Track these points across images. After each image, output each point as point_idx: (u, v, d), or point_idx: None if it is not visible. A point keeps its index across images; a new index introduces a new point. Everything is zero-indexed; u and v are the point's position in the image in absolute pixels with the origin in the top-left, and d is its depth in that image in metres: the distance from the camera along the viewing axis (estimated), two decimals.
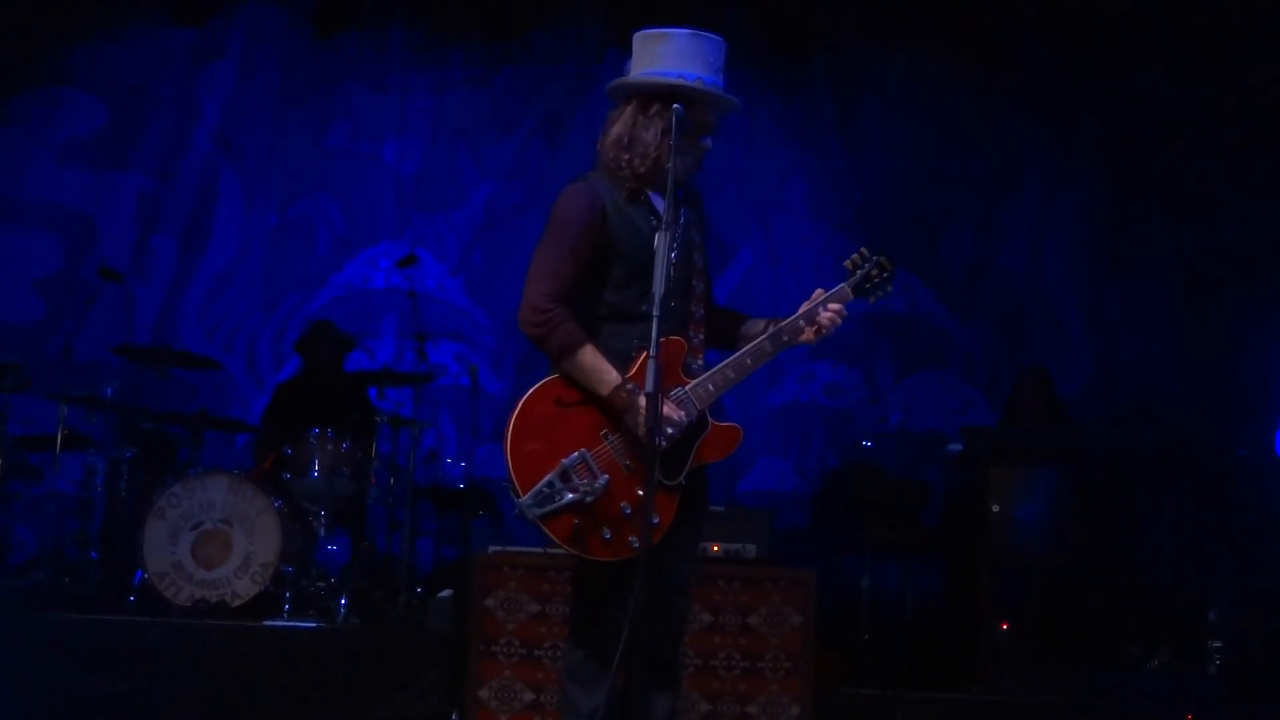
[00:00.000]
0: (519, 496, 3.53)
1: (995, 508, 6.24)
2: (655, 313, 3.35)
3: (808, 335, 3.74)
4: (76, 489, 7.12)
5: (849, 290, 3.81)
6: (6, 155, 8.77)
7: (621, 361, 3.60)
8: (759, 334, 3.76)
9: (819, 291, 3.78)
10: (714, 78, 3.75)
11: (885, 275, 3.85)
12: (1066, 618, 6.20)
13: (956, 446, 6.85)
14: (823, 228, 9.01)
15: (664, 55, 3.73)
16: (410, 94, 9.15)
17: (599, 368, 3.57)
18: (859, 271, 3.82)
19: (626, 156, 3.72)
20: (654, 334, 3.34)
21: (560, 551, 3.60)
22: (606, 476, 3.54)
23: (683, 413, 3.57)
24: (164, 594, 6.41)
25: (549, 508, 3.51)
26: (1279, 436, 5.29)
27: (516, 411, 3.59)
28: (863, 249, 3.87)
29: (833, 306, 3.75)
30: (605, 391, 3.55)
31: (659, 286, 3.37)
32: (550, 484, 3.52)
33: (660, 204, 3.73)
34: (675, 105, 3.60)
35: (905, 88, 9.02)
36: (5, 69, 8.77)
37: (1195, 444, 6.61)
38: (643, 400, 3.46)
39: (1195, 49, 8.29)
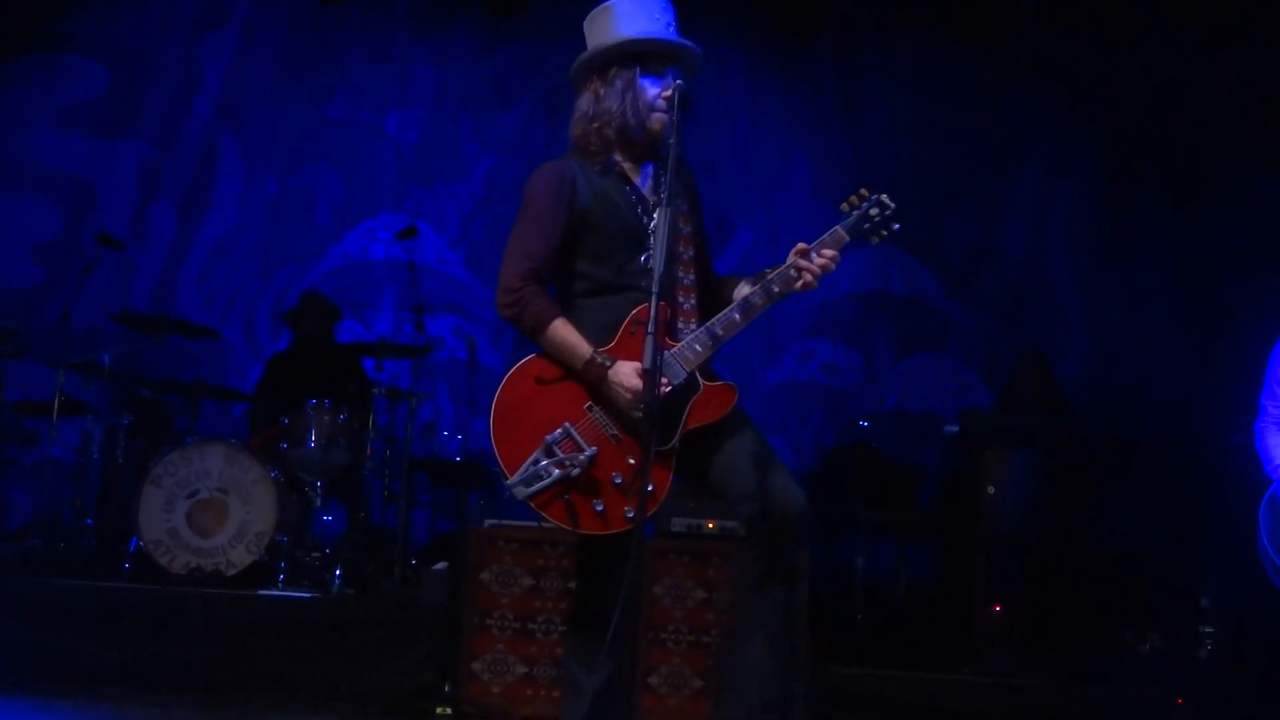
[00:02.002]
0: (508, 479, 3.52)
1: (990, 490, 6.24)
2: (654, 288, 3.33)
3: (800, 285, 3.60)
4: (73, 455, 7.12)
5: (843, 232, 3.66)
6: (7, 120, 8.75)
7: (607, 334, 3.60)
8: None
9: (800, 245, 3.64)
10: (663, 31, 3.71)
11: (887, 214, 3.68)
12: (1059, 601, 6.20)
13: (953, 428, 6.85)
14: (824, 207, 8.98)
15: (609, 26, 3.74)
16: (412, 65, 9.13)
17: (571, 342, 3.57)
18: (855, 212, 3.68)
19: (595, 126, 3.71)
20: (652, 310, 3.31)
21: (556, 526, 3.58)
22: (594, 449, 3.53)
23: (664, 380, 3.49)
24: (159, 561, 6.42)
25: (537, 486, 3.50)
26: (1257, 428, 5.27)
27: (497, 395, 3.58)
28: (862, 189, 3.71)
29: (826, 252, 3.61)
30: (579, 366, 3.55)
31: (658, 262, 3.35)
32: (536, 461, 3.51)
33: (637, 173, 3.75)
34: (679, 82, 3.59)
35: (909, 68, 8.99)
36: (7, 33, 8.73)
37: (1191, 430, 6.60)
38: (615, 372, 3.49)
39: (1198, 35, 8.26)
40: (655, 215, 3.58)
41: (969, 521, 6.36)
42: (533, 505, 3.52)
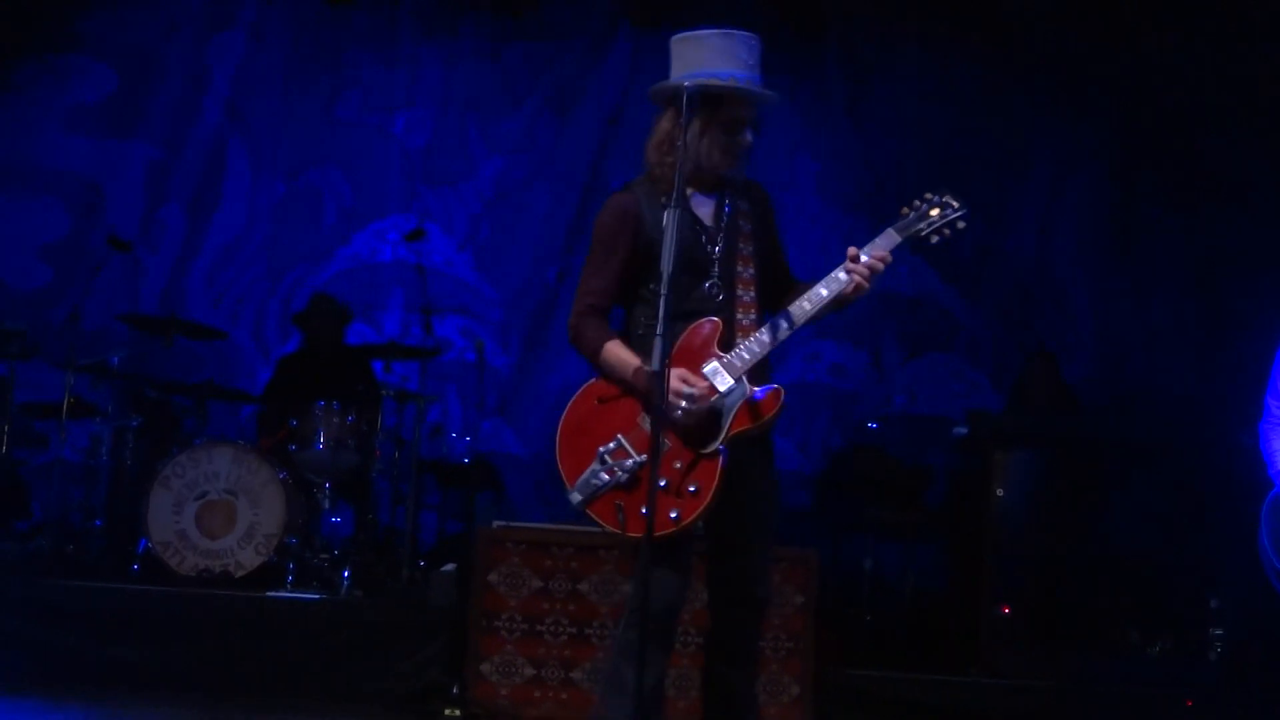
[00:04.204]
0: (569, 490, 3.70)
1: (998, 492, 6.24)
2: (663, 291, 3.42)
3: (851, 288, 3.72)
4: (82, 457, 7.14)
5: (895, 232, 3.79)
6: (15, 121, 8.75)
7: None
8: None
9: (852, 250, 3.75)
10: (749, 74, 3.79)
11: (949, 214, 3.78)
12: (1067, 602, 6.20)
13: (961, 430, 6.84)
14: (831, 207, 8.99)
15: (701, 57, 3.80)
16: (420, 66, 9.13)
17: (621, 357, 3.73)
18: (913, 213, 3.81)
19: (670, 160, 3.77)
20: (661, 311, 3.41)
21: (598, 529, 3.72)
22: (643, 456, 3.63)
23: (705, 383, 3.64)
24: (167, 563, 6.44)
25: (590, 494, 3.68)
26: (1262, 428, 5.26)
27: (564, 415, 3.78)
28: (926, 193, 3.82)
29: (876, 253, 3.74)
30: (629, 376, 3.69)
31: (666, 265, 3.44)
32: (592, 472, 3.68)
33: (702, 203, 3.86)
34: (687, 84, 3.63)
35: (916, 68, 8.98)
36: (14, 35, 8.74)
37: (1199, 430, 6.58)
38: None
39: (1205, 35, 8.24)
40: (718, 242, 3.78)
41: (977, 523, 6.36)
42: (587, 512, 3.70)
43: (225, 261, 8.89)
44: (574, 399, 3.81)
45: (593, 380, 3.82)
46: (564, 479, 3.73)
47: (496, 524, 5.97)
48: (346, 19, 9.06)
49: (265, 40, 9.04)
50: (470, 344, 8.22)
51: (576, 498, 3.69)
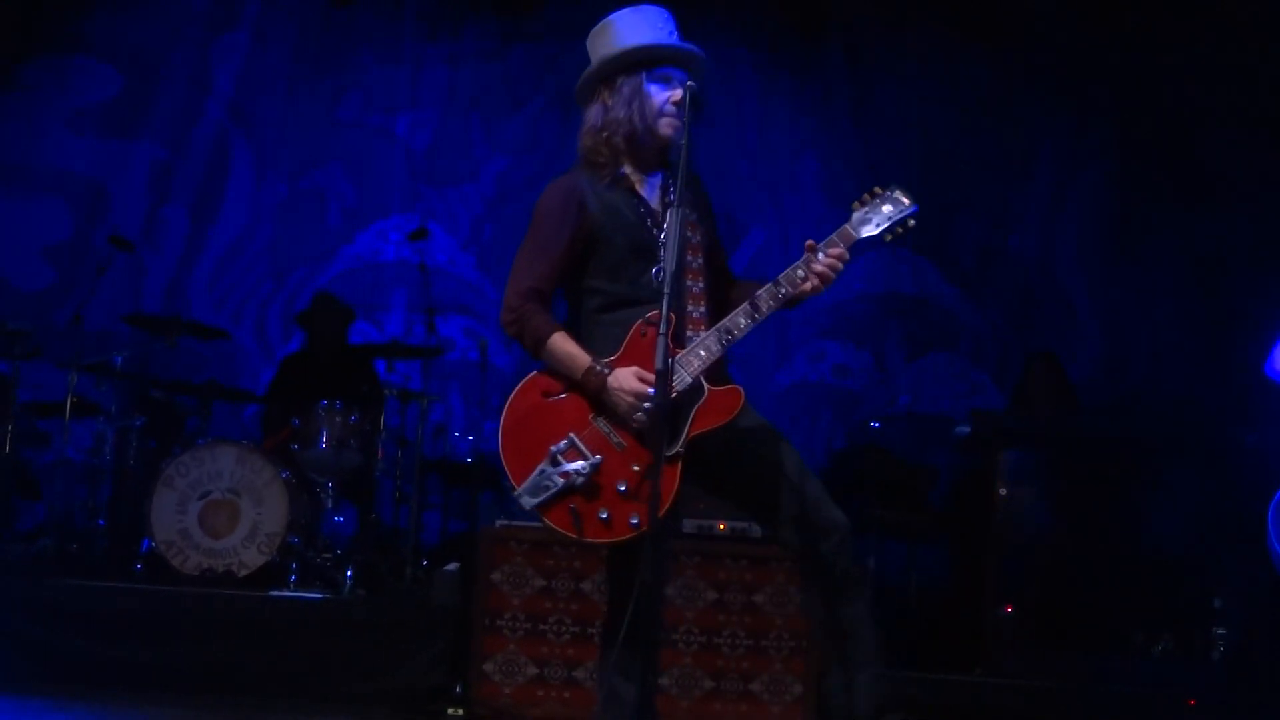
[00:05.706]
0: (515, 489, 3.53)
1: (1002, 491, 6.23)
2: (665, 289, 3.34)
3: (809, 285, 3.59)
4: (85, 457, 7.13)
5: (851, 230, 3.65)
6: (19, 122, 8.78)
7: (620, 346, 3.59)
8: None
9: (809, 243, 3.61)
10: (666, 38, 3.73)
11: (901, 211, 3.65)
12: (1071, 602, 6.19)
13: (964, 429, 6.84)
14: (835, 207, 8.97)
15: (613, 38, 3.76)
16: (423, 67, 9.14)
17: (570, 353, 3.57)
18: (865, 209, 3.66)
19: (604, 135, 3.71)
20: (664, 310, 3.32)
21: (561, 534, 3.57)
22: (598, 457, 3.52)
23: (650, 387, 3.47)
24: (171, 562, 6.44)
25: (543, 496, 3.51)
26: (1268, 364, 5.22)
27: (505, 410, 3.60)
28: (875, 188, 3.69)
29: (833, 251, 3.61)
30: (579, 376, 3.55)
31: (669, 262, 3.36)
32: (542, 472, 3.51)
33: (645, 184, 3.75)
34: (690, 83, 3.59)
35: (920, 68, 8.98)
36: (19, 35, 8.76)
37: (1203, 430, 6.58)
38: (614, 378, 3.50)
39: (1208, 35, 8.24)
40: (666, 222, 3.56)
41: (980, 522, 6.35)
42: (540, 515, 3.53)
43: (228, 261, 8.90)
44: (515, 393, 3.61)
45: (534, 374, 3.64)
46: (510, 478, 3.53)
47: (499, 523, 5.96)
48: (349, 20, 9.08)
49: (268, 41, 9.06)
50: (473, 343, 8.24)
51: (528, 500, 3.50)
